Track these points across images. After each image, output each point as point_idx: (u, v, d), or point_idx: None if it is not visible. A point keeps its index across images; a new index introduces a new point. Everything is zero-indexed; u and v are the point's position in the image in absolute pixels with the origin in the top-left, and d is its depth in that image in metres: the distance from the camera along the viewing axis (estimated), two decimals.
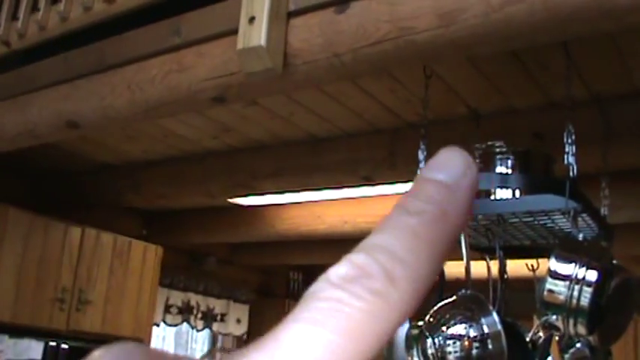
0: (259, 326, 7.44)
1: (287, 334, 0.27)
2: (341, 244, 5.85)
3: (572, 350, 2.46)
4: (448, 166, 0.30)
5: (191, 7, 2.70)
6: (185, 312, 6.74)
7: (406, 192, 0.30)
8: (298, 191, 4.32)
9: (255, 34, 2.27)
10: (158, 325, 6.28)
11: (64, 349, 4.39)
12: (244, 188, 4.23)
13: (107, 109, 2.97)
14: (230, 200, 4.87)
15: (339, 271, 0.28)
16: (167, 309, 6.57)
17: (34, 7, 3.36)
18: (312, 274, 7.84)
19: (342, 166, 3.85)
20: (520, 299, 2.83)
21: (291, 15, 2.35)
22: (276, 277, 7.77)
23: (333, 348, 0.26)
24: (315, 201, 4.91)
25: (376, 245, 0.28)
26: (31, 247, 4.24)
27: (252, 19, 2.29)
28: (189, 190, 4.49)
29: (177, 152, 4.44)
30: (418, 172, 2.59)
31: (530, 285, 2.75)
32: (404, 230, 0.28)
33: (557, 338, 2.50)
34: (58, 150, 4.49)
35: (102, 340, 4.66)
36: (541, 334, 2.59)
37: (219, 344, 7.51)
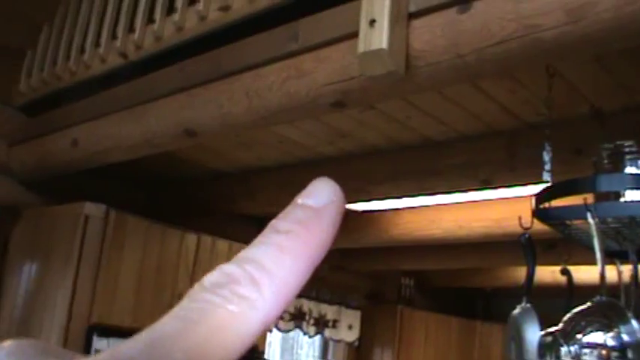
0: (371, 332, 7.40)
1: (162, 327, 0.30)
2: (455, 248, 5.82)
3: None
4: (317, 194, 0.34)
5: (308, 12, 2.68)
6: (297, 318, 6.75)
7: (278, 216, 0.34)
8: (414, 196, 4.26)
9: (377, 37, 2.24)
10: (271, 332, 6.30)
11: None
12: (360, 193, 4.19)
13: (225, 117, 2.98)
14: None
15: (211, 277, 0.32)
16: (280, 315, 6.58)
17: (149, 19, 3.41)
18: (423, 279, 7.76)
19: (461, 169, 3.77)
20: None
21: (412, 16, 2.31)
22: (387, 282, 7.70)
23: (200, 341, 0.29)
24: (430, 205, 4.84)
25: (246, 257, 0.32)
26: (149, 255, 4.30)
27: (372, 22, 2.25)
28: None
29: (291, 159, 4.44)
30: (544, 174, 2.50)
31: None
32: (272, 246, 0.32)
33: None
34: (172, 158, 4.55)
35: None
36: None
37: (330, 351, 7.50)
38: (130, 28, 3.53)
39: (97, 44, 3.77)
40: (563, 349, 2.12)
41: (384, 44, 2.21)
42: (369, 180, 4.11)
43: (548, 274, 5.10)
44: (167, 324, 0.30)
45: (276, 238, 0.33)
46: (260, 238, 0.33)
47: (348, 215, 5.33)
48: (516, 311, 2.48)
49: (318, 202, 0.34)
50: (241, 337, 0.30)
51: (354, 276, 7.36)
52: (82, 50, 3.90)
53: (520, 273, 6.69)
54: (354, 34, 2.36)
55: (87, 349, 3.95)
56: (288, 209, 0.34)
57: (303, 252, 0.33)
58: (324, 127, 3.85)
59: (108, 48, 3.66)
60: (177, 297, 4.40)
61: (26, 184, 4.63)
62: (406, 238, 5.23)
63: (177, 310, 0.31)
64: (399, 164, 3.99)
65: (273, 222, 0.33)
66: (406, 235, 5.19)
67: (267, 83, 2.74)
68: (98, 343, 3.99)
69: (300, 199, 0.34)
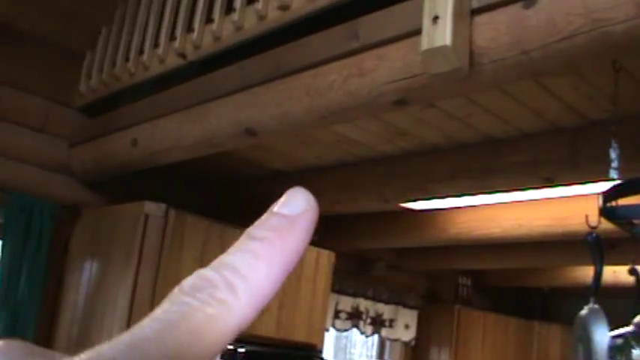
0: (428, 332, 7.36)
1: (142, 329, 0.32)
2: (513, 247, 5.75)
3: None
4: (291, 203, 0.36)
5: (368, 10, 2.66)
6: (354, 317, 6.74)
7: (254, 224, 0.36)
8: (474, 194, 4.21)
9: (440, 34, 2.21)
10: (327, 331, 6.29)
11: (240, 352, 4.44)
12: (419, 192, 4.15)
13: (285, 116, 2.97)
14: (402, 205, 4.82)
15: (190, 282, 0.33)
16: (336, 314, 6.58)
17: (208, 19, 3.42)
18: (481, 278, 7.69)
19: (522, 167, 3.71)
20: None
21: (475, 12, 2.28)
22: (444, 281, 7.66)
23: (179, 343, 0.31)
24: (490, 204, 4.78)
25: (223, 263, 0.34)
26: (208, 254, 4.31)
27: (435, 19, 2.23)
28: (363, 195, 4.45)
29: (350, 157, 4.42)
30: (610, 171, 2.45)
31: None
32: (248, 252, 0.34)
33: None
34: (230, 158, 4.57)
35: (277, 344, 4.71)
36: None
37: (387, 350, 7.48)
38: (189, 29, 3.54)
39: (155, 45, 3.80)
40: (635, 352, 2.07)
41: (448, 41, 2.18)
42: (428, 178, 4.06)
43: (609, 274, 5.01)
44: (147, 326, 0.32)
45: (251, 245, 0.35)
46: (236, 245, 0.35)
47: (404, 214, 5.30)
48: (584, 312, 2.42)
49: (292, 211, 0.36)
50: (218, 338, 0.32)
51: (410, 275, 7.33)
52: (140, 51, 3.93)
53: (578, 273, 6.62)
54: (416, 32, 2.34)
55: None
56: (264, 217, 0.36)
57: (277, 258, 0.35)
58: (384, 126, 3.82)
59: (166, 48, 3.69)
60: None
61: (86, 184, 4.69)
62: (464, 237, 5.18)
63: (157, 313, 0.33)
64: (458, 162, 3.94)
65: (249, 230, 0.36)
66: (464, 234, 5.14)
67: (328, 82, 2.73)
68: None
69: (275, 208, 0.36)
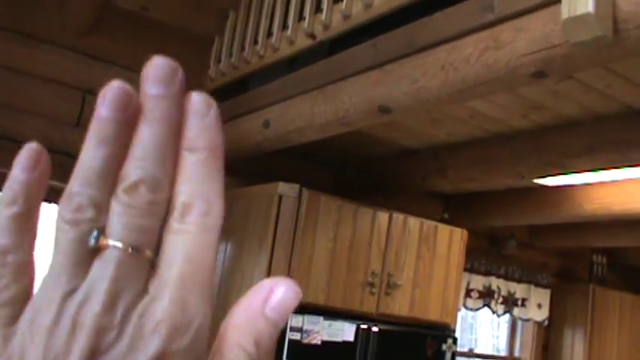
0: (561, 312, 7.21)
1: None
2: None
3: None
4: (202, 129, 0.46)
5: None
6: (486, 296, 6.66)
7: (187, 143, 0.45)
8: (614, 168, 4.07)
9: (582, 1, 2.14)
10: (459, 310, 6.24)
11: (374, 331, 4.46)
12: (555, 167, 4.05)
13: (420, 92, 2.95)
14: (536, 181, 4.72)
15: (176, 214, 0.42)
16: (468, 293, 6.52)
17: None
18: (617, 256, 7.47)
19: None
20: None
21: None
22: (577, 260, 7.48)
23: (195, 252, 0.42)
24: (630, 179, 4.61)
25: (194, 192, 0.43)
26: (341, 233, 4.34)
27: None
28: (497, 172, 4.37)
29: (483, 133, 4.35)
30: None
31: None
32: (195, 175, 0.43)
33: None
34: (361, 137, 4.57)
35: (410, 324, 4.71)
36: None
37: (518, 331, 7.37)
38: (317, 9, 3.55)
39: (284, 26, 3.83)
40: None
41: (591, 8, 2.11)
42: (564, 153, 3.95)
43: None
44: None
45: (197, 166, 0.43)
46: (184, 171, 0.43)
47: (537, 191, 5.20)
48: None
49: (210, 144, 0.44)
50: (212, 239, 0.43)
51: (543, 253, 7.20)
52: (269, 33, 3.97)
53: None
54: (555, 0, 2.28)
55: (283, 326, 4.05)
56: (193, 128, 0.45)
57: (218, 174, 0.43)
58: (517, 100, 3.74)
59: (295, 29, 3.71)
60: (370, 274, 4.45)
61: None
62: (602, 213, 5.03)
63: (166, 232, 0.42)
64: (597, 136, 3.81)
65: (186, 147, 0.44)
66: (602, 209, 4.99)
67: (464, 56, 2.69)
68: (294, 320, 4.08)
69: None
